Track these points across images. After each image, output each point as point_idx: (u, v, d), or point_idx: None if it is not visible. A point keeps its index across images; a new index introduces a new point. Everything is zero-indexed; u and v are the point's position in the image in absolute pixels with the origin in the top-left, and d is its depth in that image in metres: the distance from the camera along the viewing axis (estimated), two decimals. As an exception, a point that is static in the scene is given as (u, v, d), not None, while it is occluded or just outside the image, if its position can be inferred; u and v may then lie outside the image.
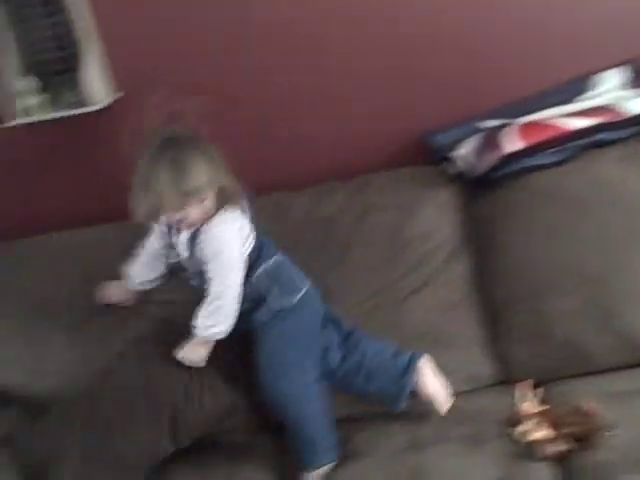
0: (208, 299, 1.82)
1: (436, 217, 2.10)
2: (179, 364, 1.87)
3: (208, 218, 1.81)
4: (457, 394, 1.97)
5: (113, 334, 2.06)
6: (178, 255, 1.89)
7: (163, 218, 1.84)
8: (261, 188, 2.06)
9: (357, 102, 2.28)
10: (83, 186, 2.35)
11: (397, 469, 1.78)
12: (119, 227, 2.15)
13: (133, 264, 2.00)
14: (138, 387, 1.86)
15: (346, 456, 1.88)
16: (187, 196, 1.74)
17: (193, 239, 1.84)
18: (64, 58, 2.19)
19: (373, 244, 2.09)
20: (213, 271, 1.82)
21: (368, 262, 2.08)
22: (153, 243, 1.97)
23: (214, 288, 1.81)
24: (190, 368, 1.87)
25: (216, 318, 1.82)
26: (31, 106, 2.14)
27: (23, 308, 2.12)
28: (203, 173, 1.74)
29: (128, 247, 2.02)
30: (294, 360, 1.89)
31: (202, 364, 1.87)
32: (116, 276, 2.04)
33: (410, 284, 2.06)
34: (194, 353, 1.86)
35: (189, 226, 1.82)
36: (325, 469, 1.86)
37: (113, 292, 2.06)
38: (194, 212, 1.77)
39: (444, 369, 1.98)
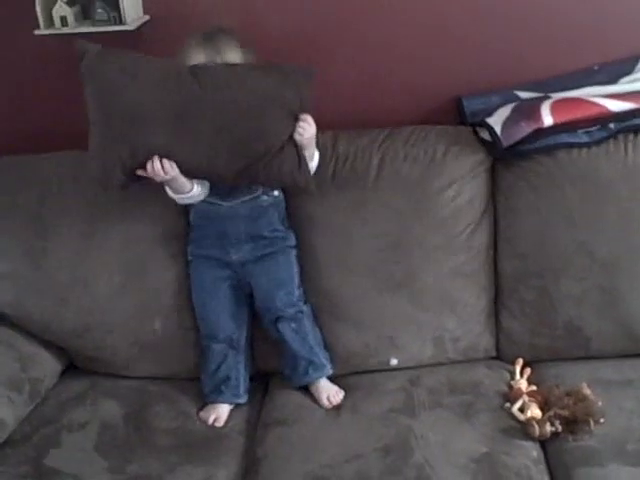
0: None
1: (465, 177, 2.07)
2: None
3: None
4: (454, 363, 2.07)
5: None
6: None
7: None
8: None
9: (395, 53, 2.26)
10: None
11: (386, 429, 1.85)
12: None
13: None
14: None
15: (339, 409, 1.97)
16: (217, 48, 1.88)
17: None
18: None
19: (399, 191, 2.07)
20: None
21: (393, 208, 2.06)
22: None
23: None
24: None
25: None
26: (66, 16, 2.12)
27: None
28: (235, 54, 1.91)
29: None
30: None
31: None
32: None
33: (433, 241, 2.06)
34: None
35: None
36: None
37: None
38: None
39: (446, 335, 2.07)
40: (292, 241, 2.08)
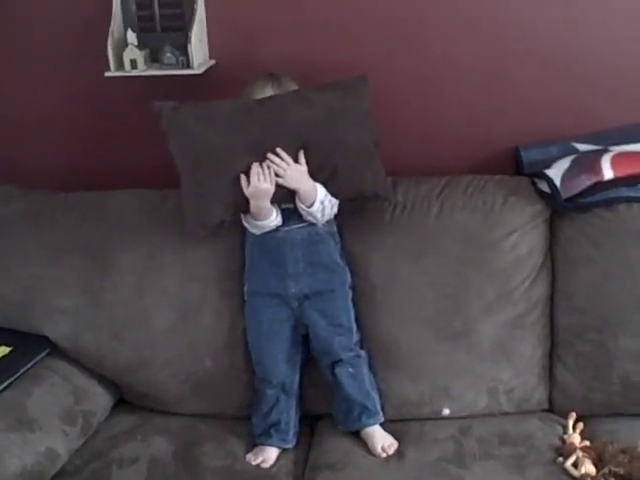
0: None
1: (524, 228, 2.08)
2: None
3: None
4: (505, 414, 2.07)
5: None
6: None
7: None
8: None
9: (455, 102, 2.31)
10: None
11: (436, 478, 1.85)
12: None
13: None
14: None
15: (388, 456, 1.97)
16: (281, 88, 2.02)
17: None
18: (175, 16, 2.25)
19: (458, 241, 2.08)
20: None
21: (451, 257, 2.07)
22: None
23: None
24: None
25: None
26: (136, 59, 2.21)
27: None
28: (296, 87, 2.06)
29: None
30: None
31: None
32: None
33: (491, 292, 2.06)
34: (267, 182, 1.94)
35: None
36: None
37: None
38: None
39: (501, 386, 2.07)
40: (349, 280, 2.10)
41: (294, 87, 2.07)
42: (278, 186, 1.95)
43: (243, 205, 1.98)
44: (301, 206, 2.00)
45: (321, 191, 1.99)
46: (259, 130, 1.94)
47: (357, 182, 2.02)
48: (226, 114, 1.97)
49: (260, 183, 1.93)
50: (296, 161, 1.96)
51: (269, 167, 1.94)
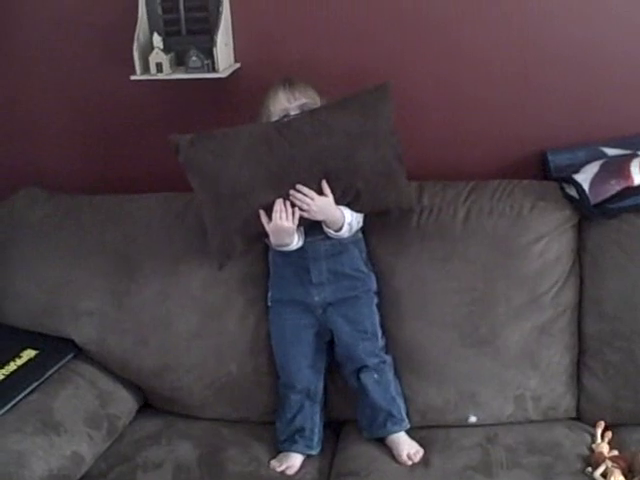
0: None
1: (552, 234, 2.06)
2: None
3: None
4: (532, 422, 2.06)
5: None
6: None
7: None
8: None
9: (481, 105, 2.29)
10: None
11: (464, 488, 1.85)
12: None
13: None
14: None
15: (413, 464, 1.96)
16: (293, 91, 2.01)
17: None
18: (200, 19, 2.26)
19: (485, 246, 2.07)
20: None
21: (478, 263, 2.06)
22: None
23: None
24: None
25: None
26: (162, 63, 2.22)
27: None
28: (311, 91, 2.03)
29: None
30: None
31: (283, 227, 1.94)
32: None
33: (518, 298, 2.05)
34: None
35: None
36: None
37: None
38: None
39: (528, 393, 2.06)
40: (374, 286, 2.09)
41: (309, 91, 2.04)
42: (304, 218, 1.95)
43: (265, 235, 1.97)
44: (329, 231, 2.00)
45: (348, 214, 1.99)
46: (279, 164, 1.92)
47: (381, 200, 2.01)
48: (244, 147, 1.94)
49: (282, 222, 1.92)
50: (320, 192, 1.94)
51: (293, 205, 1.92)
